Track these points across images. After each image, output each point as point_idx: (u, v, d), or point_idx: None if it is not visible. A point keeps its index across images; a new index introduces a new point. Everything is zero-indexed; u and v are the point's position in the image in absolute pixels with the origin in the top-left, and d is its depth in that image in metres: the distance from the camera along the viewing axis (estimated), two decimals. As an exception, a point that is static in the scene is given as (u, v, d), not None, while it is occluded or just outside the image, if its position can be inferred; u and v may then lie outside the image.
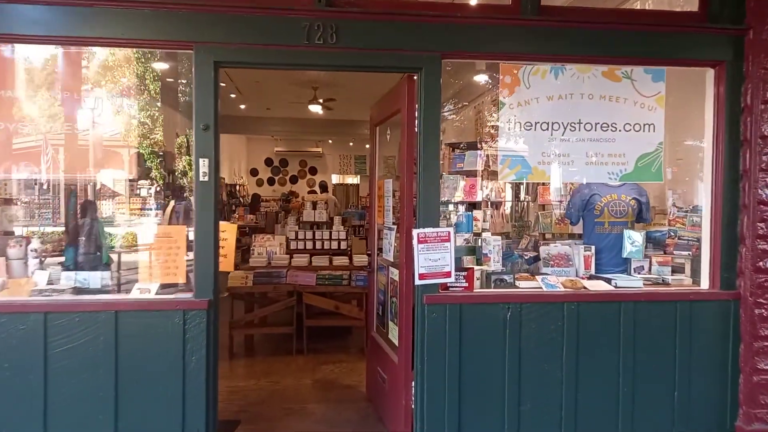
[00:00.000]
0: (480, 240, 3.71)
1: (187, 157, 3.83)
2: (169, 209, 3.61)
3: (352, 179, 17.76)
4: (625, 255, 3.74)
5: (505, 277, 3.47)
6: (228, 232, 3.56)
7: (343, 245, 6.13)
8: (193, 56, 3.06)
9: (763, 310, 3.33)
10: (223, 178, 14.19)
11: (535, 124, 3.41)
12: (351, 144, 16.90)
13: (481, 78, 4.48)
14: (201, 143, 3.04)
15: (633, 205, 3.87)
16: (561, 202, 4.46)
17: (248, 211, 11.60)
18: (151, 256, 3.05)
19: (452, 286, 3.27)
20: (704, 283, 3.49)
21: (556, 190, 4.47)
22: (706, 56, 3.39)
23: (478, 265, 3.65)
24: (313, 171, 18.48)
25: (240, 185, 16.11)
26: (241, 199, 15.18)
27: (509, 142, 3.41)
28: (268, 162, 18.42)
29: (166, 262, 3.03)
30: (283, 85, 10.20)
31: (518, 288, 3.41)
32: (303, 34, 3.09)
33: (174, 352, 2.95)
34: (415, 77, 3.27)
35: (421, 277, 3.17)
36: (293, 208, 7.14)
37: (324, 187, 16.17)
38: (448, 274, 3.20)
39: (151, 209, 3.71)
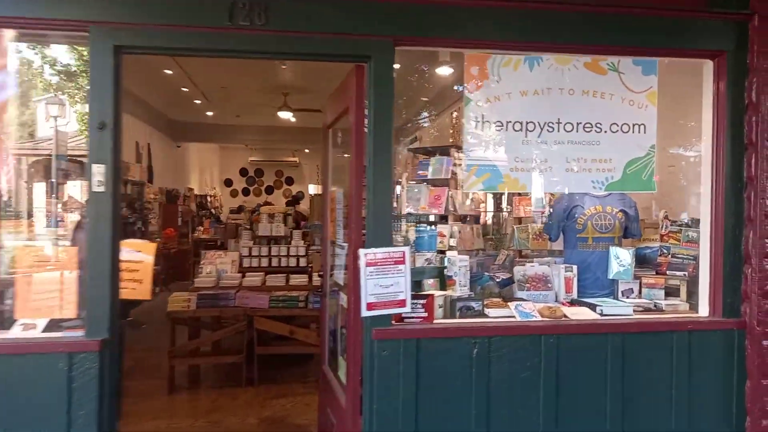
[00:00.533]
0: (445, 260, 3.18)
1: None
2: (73, 225, 3.03)
3: (330, 189, 17.19)
4: (611, 276, 3.24)
5: (473, 304, 2.94)
6: (145, 251, 2.98)
7: (303, 262, 5.56)
8: (88, 39, 2.50)
9: (774, 342, 2.84)
10: (192, 189, 13.54)
11: (507, 123, 2.89)
12: (328, 153, 16.32)
13: (445, 71, 3.96)
14: (96, 146, 2.47)
15: (620, 218, 3.38)
16: (542, 213, 3.97)
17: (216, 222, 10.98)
18: (33, 283, 2.46)
19: (408, 317, 2.73)
20: (703, 310, 2.99)
21: (534, 200, 3.97)
22: (704, 45, 2.91)
23: (442, 289, 3.12)
24: (290, 181, 17.92)
25: (212, 196, 15.47)
26: (212, 210, 14.55)
27: (477, 145, 2.89)
28: (243, 172, 17.82)
29: (50, 291, 2.45)
30: (251, 90, 9.65)
31: (488, 317, 2.88)
32: (225, 12, 2.55)
33: (56, 407, 2.35)
34: (365, 68, 2.75)
35: (370, 307, 2.62)
36: (255, 221, 6.55)
37: (299, 199, 15.57)
38: (402, 303, 2.65)
39: (47, 227, 3.12)
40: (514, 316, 2.86)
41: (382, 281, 2.64)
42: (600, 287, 3.29)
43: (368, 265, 2.63)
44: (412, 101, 8.49)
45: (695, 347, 2.86)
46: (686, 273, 3.20)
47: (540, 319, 2.84)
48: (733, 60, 2.90)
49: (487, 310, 2.92)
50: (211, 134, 13.01)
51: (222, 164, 17.53)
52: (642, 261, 3.44)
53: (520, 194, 4.06)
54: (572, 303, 3.14)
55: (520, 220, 4.08)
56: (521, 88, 2.91)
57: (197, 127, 12.49)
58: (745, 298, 2.88)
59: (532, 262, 3.36)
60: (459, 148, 4.04)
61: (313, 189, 17.55)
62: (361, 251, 2.63)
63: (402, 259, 2.67)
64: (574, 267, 3.26)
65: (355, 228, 2.82)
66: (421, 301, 2.76)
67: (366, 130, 2.75)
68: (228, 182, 17.72)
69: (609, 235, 3.36)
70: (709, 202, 2.98)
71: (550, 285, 3.25)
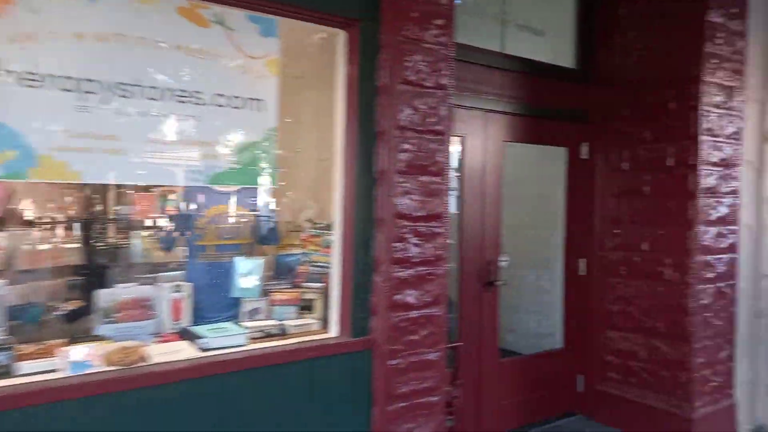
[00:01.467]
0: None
1: None
2: None
3: None
4: (233, 294, 2.53)
5: (-3, 357, 1.87)
6: None
7: None
8: None
9: (401, 360, 2.46)
10: None
11: (48, 78, 1.91)
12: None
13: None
14: None
15: (251, 220, 2.71)
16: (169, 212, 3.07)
17: None
18: None
19: None
20: (334, 329, 2.49)
21: (160, 197, 3.06)
22: (335, 11, 2.39)
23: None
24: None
25: None
26: None
27: (-7, 106, 1.84)
28: None
29: None
30: None
31: (15, 377, 1.85)
32: None
33: None
34: None
35: None
36: None
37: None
38: None
39: None
40: (60, 370, 1.89)
41: None
42: (223, 309, 2.56)
43: None
44: None
45: (320, 379, 2.32)
46: (324, 284, 2.68)
47: (101, 370, 1.93)
48: (367, 33, 2.45)
49: (20, 364, 1.89)
50: None
51: None
52: (282, 271, 2.84)
53: (146, 189, 3.10)
54: (182, 334, 2.34)
55: (144, 224, 3.12)
56: (75, 28, 1.96)
57: None
58: (375, 311, 2.46)
59: (129, 282, 2.44)
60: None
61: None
62: None
63: None
64: (187, 285, 2.46)
65: None
66: None
67: None
68: None
69: (237, 242, 2.65)
70: (341, 201, 2.49)
71: (152, 312, 2.38)
